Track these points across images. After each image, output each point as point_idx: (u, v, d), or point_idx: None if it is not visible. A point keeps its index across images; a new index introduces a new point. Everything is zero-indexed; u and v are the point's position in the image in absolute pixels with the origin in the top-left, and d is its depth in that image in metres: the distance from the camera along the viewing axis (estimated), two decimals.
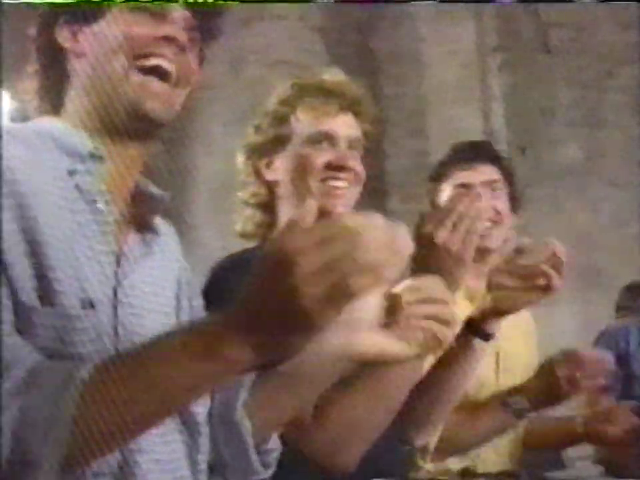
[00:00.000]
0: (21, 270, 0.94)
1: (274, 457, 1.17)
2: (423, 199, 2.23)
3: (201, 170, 5.41)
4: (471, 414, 1.80)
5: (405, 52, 5.93)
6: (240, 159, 1.63)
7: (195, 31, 1.11)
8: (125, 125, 1.06)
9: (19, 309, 0.93)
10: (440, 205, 2.00)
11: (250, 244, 1.61)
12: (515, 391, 1.89)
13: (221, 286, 1.37)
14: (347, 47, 6.12)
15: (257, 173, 1.60)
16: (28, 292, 0.94)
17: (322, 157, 1.50)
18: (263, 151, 1.57)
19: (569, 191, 5.45)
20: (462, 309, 1.66)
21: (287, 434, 1.21)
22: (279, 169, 1.55)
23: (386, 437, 1.34)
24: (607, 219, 5.42)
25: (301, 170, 1.50)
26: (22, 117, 1.18)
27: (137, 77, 1.06)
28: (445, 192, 2.06)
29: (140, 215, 1.11)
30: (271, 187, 1.58)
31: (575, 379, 1.81)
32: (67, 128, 1.08)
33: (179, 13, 1.08)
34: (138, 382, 0.83)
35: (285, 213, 1.55)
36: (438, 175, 2.08)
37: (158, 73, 1.07)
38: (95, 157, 1.07)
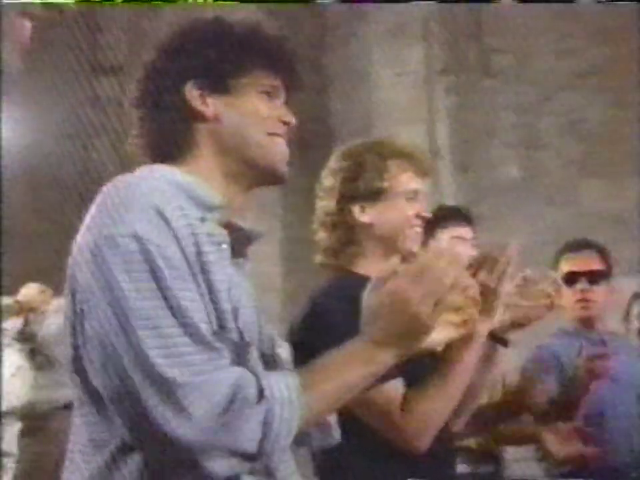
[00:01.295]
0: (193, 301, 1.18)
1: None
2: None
3: None
4: None
5: (355, 70, 6.14)
6: (325, 202, 1.92)
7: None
8: (256, 180, 1.34)
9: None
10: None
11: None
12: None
13: (328, 313, 1.77)
14: (298, 61, 6.32)
15: (349, 216, 1.89)
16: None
17: (413, 209, 1.90)
18: (359, 198, 1.89)
19: (508, 208, 5.72)
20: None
21: (372, 419, 1.64)
22: (373, 214, 1.88)
23: None
24: (544, 236, 5.69)
25: (397, 218, 1.89)
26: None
27: (271, 141, 1.33)
28: (441, 240, 2.47)
29: (237, 246, 1.31)
30: (361, 228, 1.89)
31: None
32: (195, 181, 1.27)
33: (282, 94, 1.37)
34: (330, 384, 1.22)
35: (372, 250, 1.90)
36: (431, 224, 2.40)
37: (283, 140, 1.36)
38: (221, 207, 1.28)
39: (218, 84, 1.31)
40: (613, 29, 5.64)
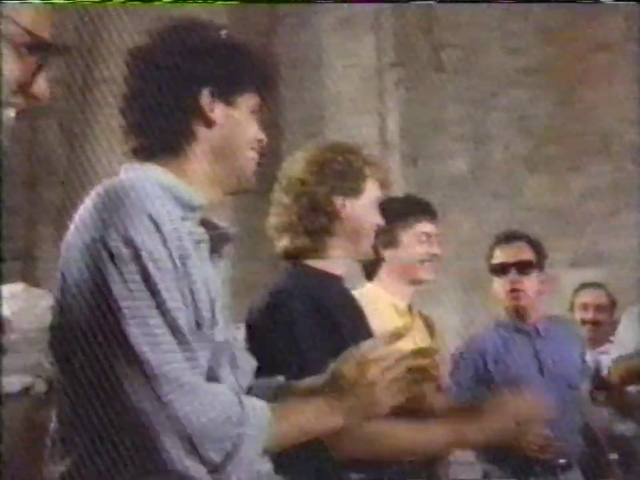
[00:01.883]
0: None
1: None
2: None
3: None
4: None
5: (306, 59, 6.16)
6: (311, 189, 2.02)
7: None
8: (233, 187, 1.47)
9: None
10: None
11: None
12: None
13: (287, 307, 1.84)
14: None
15: (332, 206, 2.01)
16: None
17: (376, 217, 2.08)
18: (344, 192, 2.03)
19: (455, 200, 5.81)
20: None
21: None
22: (350, 210, 2.03)
23: None
24: (489, 228, 5.80)
25: (365, 219, 2.05)
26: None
27: (251, 155, 1.48)
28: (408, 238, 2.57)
29: (214, 244, 1.42)
30: (339, 220, 2.02)
31: None
32: (179, 182, 1.37)
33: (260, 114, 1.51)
34: (292, 425, 1.34)
35: (340, 243, 2.03)
36: (395, 220, 2.49)
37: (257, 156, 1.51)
38: (202, 208, 1.39)
39: (227, 95, 1.42)
40: (559, 28, 5.76)
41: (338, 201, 2.02)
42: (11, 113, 1.14)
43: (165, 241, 1.25)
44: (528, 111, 5.86)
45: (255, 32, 6.20)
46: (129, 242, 1.22)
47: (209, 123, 1.41)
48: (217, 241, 1.41)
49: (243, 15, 5.93)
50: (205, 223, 1.40)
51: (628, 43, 5.94)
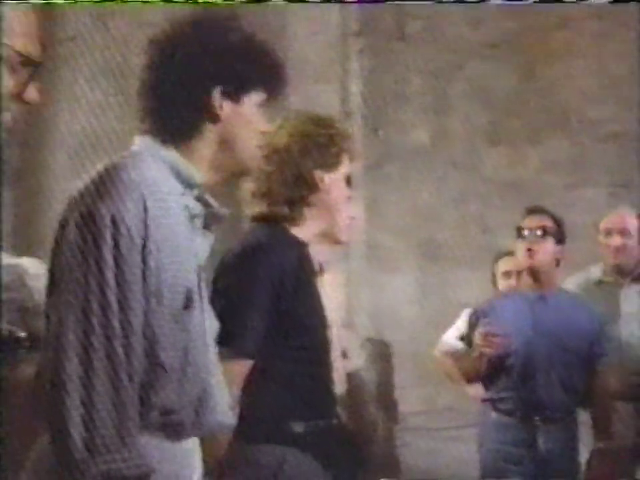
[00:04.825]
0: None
1: None
2: None
3: (62, 126, 5.38)
4: None
5: (269, 26, 6.13)
6: (293, 159, 2.09)
7: None
8: (233, 176, 1.59)
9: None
10: None
11: None
12: None
13: (256, 266, 1.93)
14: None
15: (313, 179, 2.09)
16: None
17: (347, 191, 2.14)
18: (324, 165, 2.11)
19: (415, 170, 5.85)
20: None
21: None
22: (327, 183, 2.11)
23: None
24: (448, 198, 5.86)
25: (338, 195, 2.12)
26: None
27: (255, 145, 1.58)
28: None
29: (207, 220, 1.53)
30: (317, 192, 2.10)
31: None
32: (183, 162, 1.47)
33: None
34: None
35: (314, 216, 2.10)
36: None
37: None
38: (199, 186, 1.50)
39: (236, 93, 1.52)
40: (521, 3, 5.79)
41: (318, 173, 2.08)
42: (8, 116, 1.42)
43: (147, 225, 1.35)
44: (490, 84, 5.90)
45: None
46: (114, 218, 1.32)
47: (217, 119, 1.51)
48: (210, 218, 1.51)
49: None
50: (200, 200, 1.50)
51: (587, 20, 6.01)
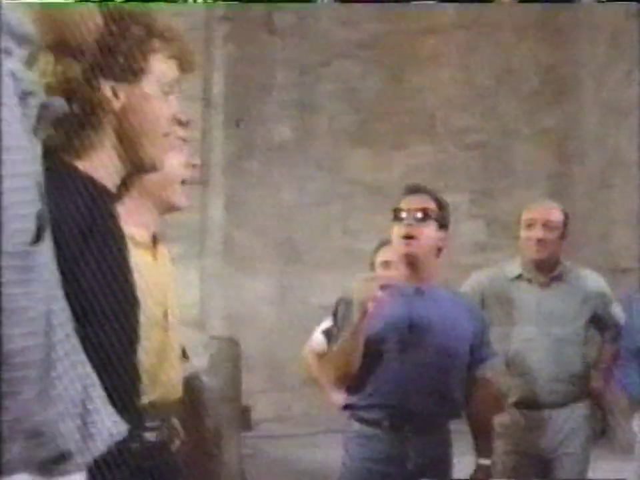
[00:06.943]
0: None
1: None
2: None
3: None
4: None
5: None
6: (70, 60, 1.49)
7: None
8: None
9: None
10: None
11: None
12: None
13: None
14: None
15: (98, 93, 1.47)
16: None
17: (170, 107, 1.52)
18: (114, 74, 1.48)
19: (278, 166, 5.63)
20: None
21: None
22: (123, 101, 1.47)
23: None
24: (310, 198, 5.67)
25: (150, 112, 1.52)
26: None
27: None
28: None
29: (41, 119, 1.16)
30: (108, 115, 1.49)
31: None
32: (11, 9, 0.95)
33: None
34: None
35: (109, 149, 1.49)
36: None
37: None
38: (31, 42, 0.99)
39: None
40: (392, 6, 5.70)
41: (106, 87, 1.44)
42: None
43: None
44: (357, 85, 5.78)
45: None
46: None
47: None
48: (45, 116, 1.25)
49: None
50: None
51: (456, 30, 5.99)
